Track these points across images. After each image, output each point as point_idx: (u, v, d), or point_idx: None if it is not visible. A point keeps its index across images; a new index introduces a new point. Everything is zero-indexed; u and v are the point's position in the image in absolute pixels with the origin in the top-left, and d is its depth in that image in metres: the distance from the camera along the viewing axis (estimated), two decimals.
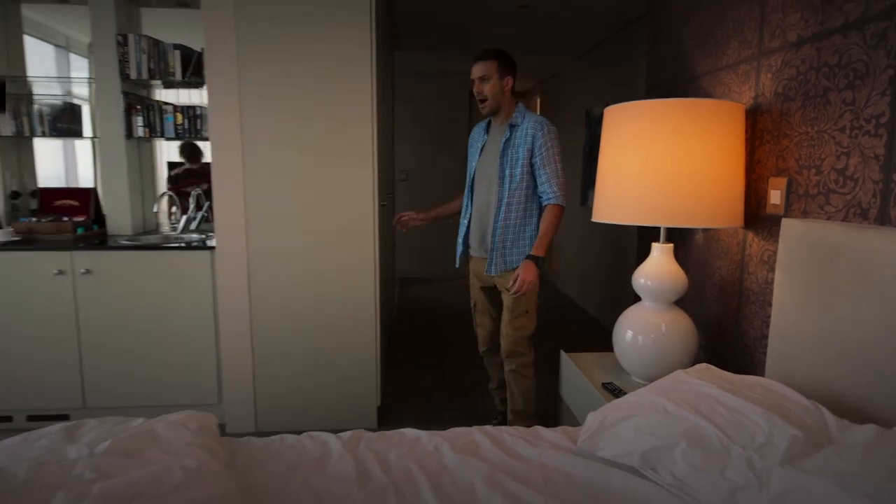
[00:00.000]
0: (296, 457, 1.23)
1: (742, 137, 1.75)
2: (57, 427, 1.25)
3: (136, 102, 2.94)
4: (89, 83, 3.14)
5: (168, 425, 1.16)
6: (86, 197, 3.05)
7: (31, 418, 2.62)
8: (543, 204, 2.20)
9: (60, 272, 2.54)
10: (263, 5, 2.41)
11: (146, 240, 2.79)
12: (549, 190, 2.17)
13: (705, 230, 2.17)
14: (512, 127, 2.23)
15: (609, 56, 4.67)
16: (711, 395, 1.22)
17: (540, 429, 1.40)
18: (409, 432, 1.38)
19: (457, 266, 2.52)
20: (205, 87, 3.01)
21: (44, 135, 2.94)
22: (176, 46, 2.90)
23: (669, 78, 2.48)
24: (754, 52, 1.82)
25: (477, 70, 2.20)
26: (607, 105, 1.88)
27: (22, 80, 3.02)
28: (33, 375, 2.59)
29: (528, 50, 5.15)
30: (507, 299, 2.26)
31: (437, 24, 4.31)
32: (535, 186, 2.21)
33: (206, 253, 2.59)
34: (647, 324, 1.83)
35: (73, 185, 4.23)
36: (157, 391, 2.66)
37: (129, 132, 2.92)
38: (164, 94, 3.26)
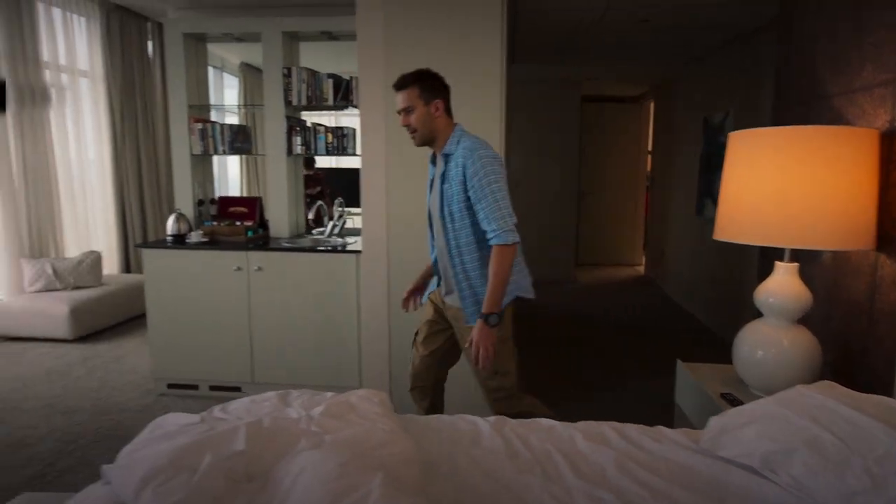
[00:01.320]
0: (453, 432, 1.51)
1: (875, 162, 1.78)
2: (272, 394, 1.63)
3: (295, 125, 3.43)
4: (240, 108, 3.69)
5: (359, 398, 1.49)
6: (253, 204, 3.60)
7: (213, 388, 3.19)
8: (489, 244, 1.89)
9: (239, 268, 3.07)
10: (409, 36, 2.74)
11: (302, 243, 3.26)
12: (489, 227, 1.87)
13: (834, 251, 2.17)
14: (446, 157, 1.97)
15: (729, 64, 4.58)
16: (832, 408, 1.32)
17: (662, 428, 1.57)
18: (544, 421, 1.61)
19: (421, 302, 2.30)
20: (348, 110, 3.45)
21: (224, 153, 3.52)
22: (329, 76, 3.35)
23: (800, 95, 2.48)
24: (891, 76, 1.83)
25: (399, 101, 1.95)
26: (727, 113, 1.95)
27: (207, 107, 3.63)
28: (215, 353, 3.15)
29: (639, 56, 5.17)
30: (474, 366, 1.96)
31: (552, 40, 4.48)
32: None
33: (353, 256, 3.00)
34: (769, 339, 1.91)
35: (223, 193, 4.92)
36: (309, 372, 3.11)
37: (290, 150, 3.42)
38: (311, 116, 3.75)
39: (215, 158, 4.05)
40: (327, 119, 6.47)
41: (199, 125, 3.45)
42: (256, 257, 3.07)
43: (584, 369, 3.75)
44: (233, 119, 5.92)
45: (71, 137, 4.74)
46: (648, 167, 7.42)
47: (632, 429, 1.55)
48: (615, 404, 3.18)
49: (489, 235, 1.88)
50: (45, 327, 4.01)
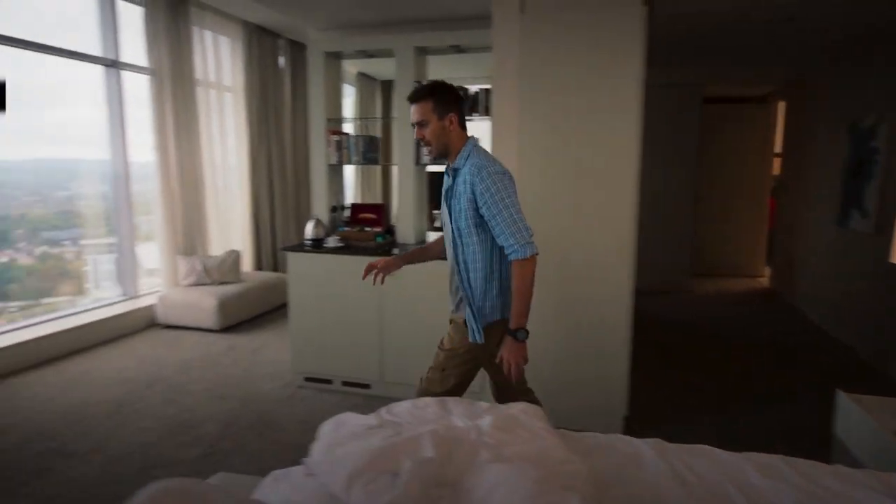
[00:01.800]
0: (614, 452, 1.52)
1: None
2: (431, 400, 1.72)
3: None
4: (357, 120, 3.88)
5: (519, 411, 1.54)
6: (380, 211, 3.80)
7: (345, 383, 3.41)
8: (508, 259, 1.90)
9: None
10: (545, 45, 2.77)
11: None
12: (506, 243, 1.86)
13: None
14: (455, 171, 1.97)
15: (880, 66, 4.13)
16: None
17: (841, 467, 1.47)
18: (706, 448, 1.57)
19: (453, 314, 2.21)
20: (473, 121, 3.53)
21: (358, 163, 3.74)
22: (458, 89, 3.45)
23: None
24: None
25: (413, 114, 1.97)
26: (881, 118, 1.76)
27: (339, 120, 3.88)
28: (348, 351, 3.36)
29: (772, 56, 4.81)
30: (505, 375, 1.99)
31: (680, 42, 4.30)
32: (493, 238, 1.92)
33: None
34: None
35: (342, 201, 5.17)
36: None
37: (417, 160, 3.56)
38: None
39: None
40: None
41: (336, 137, 3.69)
42: None
43: (704, 387, 3.57)
44: (348, 129, 6.26)
45: (216, 146, 5.25)
46: (775, 171, 6.89)
47: (805, 464, 1.48)
48: (746, 429, 3.00)
49: (507, 251, 1.88)
50: (197, 318, 4.48)
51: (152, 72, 4.53)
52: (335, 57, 3.78)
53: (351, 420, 1.54)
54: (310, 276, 3.40)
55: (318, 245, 3.48)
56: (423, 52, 3.60)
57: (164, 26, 4.54)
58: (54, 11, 4.30)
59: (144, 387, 3.41)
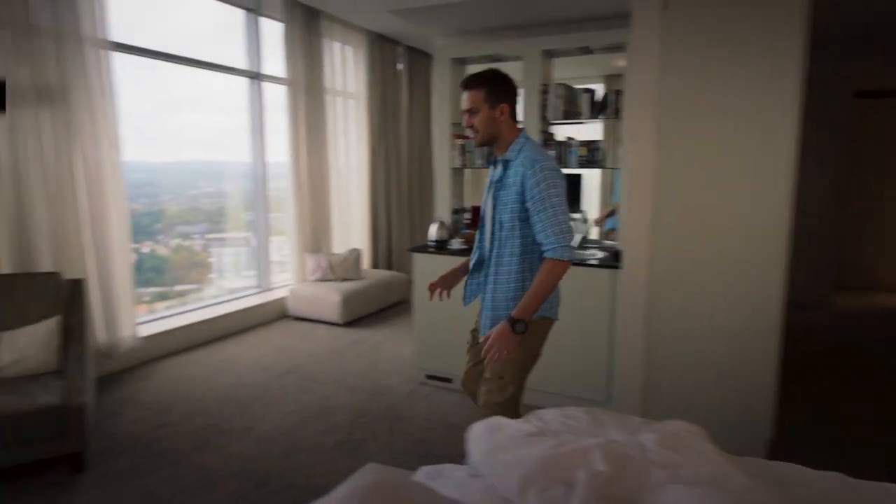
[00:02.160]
0: (790, 483, 1.41)
1: None
2: (579, 410, 1.70)
3: (549, 139, 3.54)
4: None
5: (684, 431, 1.48)
6: None
7: None
8: (543, 256, 1.86)
9: None
10: (689, 43, 2.64)
11: None
12: (546, 240, 1.84)
13: None
14: (506, 163, 1.93)
15: None
16: None
17: None
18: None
19: (464, 305, 2.24)
20: (591, 122, 3.44)
21: (481, 166, 3.79)
22: (585, 90, 3.39)
23: None
24: None
25: (464, 101, 1.93)
26: None
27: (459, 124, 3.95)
28: (463, 352, 3.42)
29: None
30: (485, 363, 1.96)
31: (832, 33, 3.91)
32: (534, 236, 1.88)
33: (606, 271, 2.99)
34: None
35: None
36: (555, 380, 3.19)
37: None
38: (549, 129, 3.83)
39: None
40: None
41: (460, 141, 3.77)
42: None
43: (856, 412, 3.21)
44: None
45: (340, 151, 5.56)
46: None
47: None
48: None
49: (545, 248, 1.84)
50: (323, 312, 4.77)
51: (289, 82, 4.89)
52: (460, 63, 3.86)
53: (506, 424, 1.56)
54: (434, 276, 3.48)
55: (441, 246, 3.57)
56: (549, 55, 3.57)
57: (300, 39, 4.88)
58: (208, 30, 4.78)
59: (282, 374, 3.69)
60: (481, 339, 1.95)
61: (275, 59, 4.95)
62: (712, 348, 2.75)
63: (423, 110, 6.64)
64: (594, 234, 3.89)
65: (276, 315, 4.97)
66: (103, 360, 3.53)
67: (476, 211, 3.95)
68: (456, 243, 3.53)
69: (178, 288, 4.79)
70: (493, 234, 1.97)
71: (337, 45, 5.42)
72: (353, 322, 4.84)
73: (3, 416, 2.28)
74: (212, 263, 5.11)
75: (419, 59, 6.50)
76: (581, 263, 3.09)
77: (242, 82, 4.87)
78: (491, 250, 1.99)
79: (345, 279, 5.05)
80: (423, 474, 1.53)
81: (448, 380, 3.52)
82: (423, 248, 3.59)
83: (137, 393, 3.36)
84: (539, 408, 3.07)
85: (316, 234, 5.26)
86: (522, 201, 1.86)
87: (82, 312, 2.93)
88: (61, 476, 2.46)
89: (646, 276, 2.84)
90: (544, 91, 3.46)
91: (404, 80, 6.32)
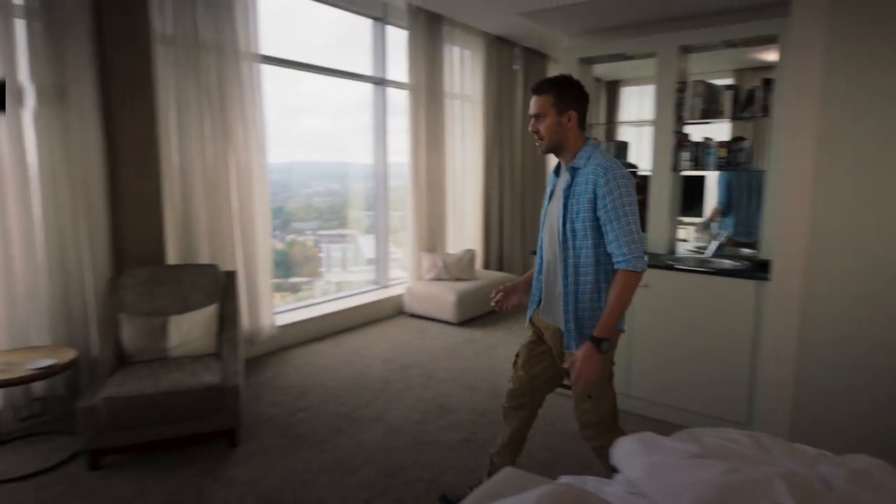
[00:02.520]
0: None
1: None
2: (740, 433, 1.59)
3: (683, 140, 3.36)
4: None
5: (873, 467, 1.33)
6: None
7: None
8: (615, 268, 1.82)
9: (645, 285, 3.16)
10: (866, 32, 2.37)
11: (687, 262, 3.17)
12: (618, 251, 1.80)
13: None
14: (574, 171, 1.88)
15: None
16: None
17: None
18: None
19: (526, 325, 2.20)
20: (732, 122, 3.19)
21: None
22: (728, 87, 3.17)
23: None
24: None
25: (532, 106, 1.90)
26: None
27: (591, 126, 3.85)
28: None
29: None
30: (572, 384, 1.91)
31: None
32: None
33: (751, 282, 2.77)
34: None
35: None
36: (688, 396, 3.02)
37: (675, 166, 3.36)
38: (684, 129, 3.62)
39: None
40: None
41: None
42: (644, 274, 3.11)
43: None
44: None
45: (457, 152, 5.65)
46: None
47: None
48: None
49: (617, 259, 1.81)
50: (438, 310, 4.89)
51: (411, 86, 5.05)
52: (587, 63, 3.77)
53: (660, 441, 1.50)
54: None
55: None
56: (686, 50, 3.38)
57: (422, 45, 5.02)
58: (335, 39, 5.07)
59: (403, 368, 3.83)
60: (567, 363, 1.90)
61: (398, 65, 5.14)
62: (877, 376, 2.46)
63: None
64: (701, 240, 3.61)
65: (393, 311, 5.17)
66: (246, 345, 3.87)
67: None
68: None
69: (292, 280, 5.13)
70: (564, 245, 1.92)
71: (456, 50, 5.52)
72: (466, 322, 4.91)
73: (174, 392, 2.57)
74: (321, 258, 5.42)
75: (535, 59, 6.44)
76: (721, 273, 2.90)
77: (367, 87, 5.11)
78: (566, 261, 1.92)
79: (459, 279, 5.13)
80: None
81: (567, 387, 3.45)
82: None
83: (276, 378, 3.65)
84: (675, 425, 2.94)
85: (432, 233, 5.39)
86: (594, 209, 1.83)
87: (235, 301, 3.24)
88: (219, 449, 2.73)
89: (801, 289, 2.60)
90: (681, 89, 3.28)
91: (519, 82, 6.30)
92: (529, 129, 1.96)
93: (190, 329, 3.00)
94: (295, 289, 5.11)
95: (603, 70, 5.20)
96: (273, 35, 4.03)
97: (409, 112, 5.09)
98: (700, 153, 3.30)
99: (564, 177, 1.94)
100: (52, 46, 2.88)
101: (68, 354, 2.72)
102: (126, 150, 3.15)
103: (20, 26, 2.80)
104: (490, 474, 2.20)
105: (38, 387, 2.91)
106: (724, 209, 3.94)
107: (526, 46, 6.26)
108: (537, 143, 1.94)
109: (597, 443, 2.04)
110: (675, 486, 1.21)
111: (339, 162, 5.53)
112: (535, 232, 6.85)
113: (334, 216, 5.55)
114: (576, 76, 3.57)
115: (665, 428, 2.81)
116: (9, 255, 2.83)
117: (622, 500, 1.32)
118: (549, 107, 1.86)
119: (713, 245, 3.34)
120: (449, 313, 4.81)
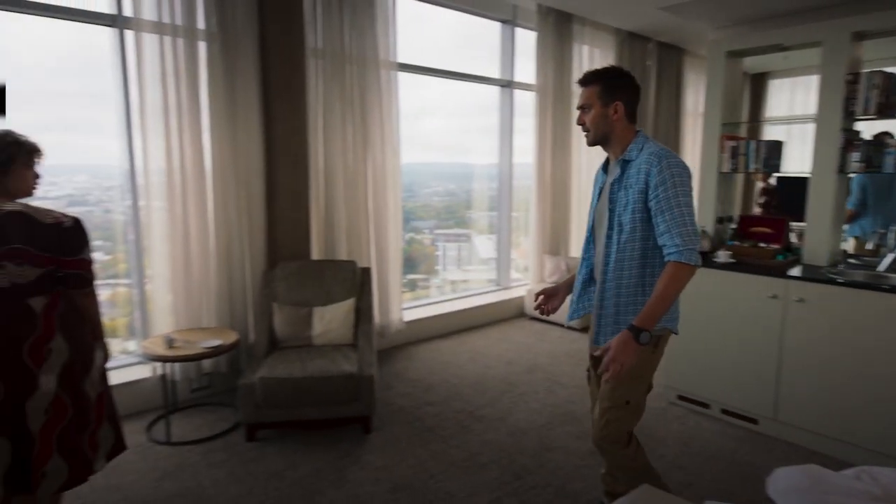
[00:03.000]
0: None
1: None
2: None
3: (853, 138, 2.98)
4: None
5: None
6: (780, 226, 3.35)
7: (725, 411, 3.14)
8: (665, 259, 1.71)
9: (774, 296, 2.89)
10: None
11: (853, 276, 2.82)
12: (670, 242, 1.69)
13: None
14: (625, 163, 1.81)
15: None
16: None
17: None
18: None
19: (565, 325, 2.13)
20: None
21: (756, 171, 3.39)
22: None
23: None
24: None
25: (579, 97, 1.84)
26: None
27: (737, 124, 3.56)
28: (732, 376, 3.08)
29: None
30: (603, 381, 1.84)
31: None
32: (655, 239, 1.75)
33: None
34: None
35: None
36: (851, 427, 2.68)
37: (842, 167, 3.00)
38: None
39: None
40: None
41: (732, 143, 3.41)
42: (797, 287, 2.82)
43: None
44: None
45: (583, 153, 5.51)
46: None
47: None
48: None
49: (669, 250, 1.69)
50: (559, 314, 4.79)
51: (538, 88, 5.01)
52: (737, 56, 3.48)
53: (829, 476, 1.36)
54: (692, 290, 3.21)
55: (703, 259, 3.28)
56: (860, 37, 3.00)
57: (551, 46, 4.96)
58: (465, 42, 5.17)
59: (526, 371, 3.82)
60: (600, 351, 1.76)
61: (524, 66, 5.13)
62: None
63: (671, 109, 6.22)
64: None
65: (513, 313, 5.17)
66: (377, 338, 4.10)
67: (745, 220, 3.54)
68: (722, 256, 3.20)
69: (410, 277, 5.31)
70: (610, 239, 1.83)
71: (585, 49, 5.38)
72: (587, 329, 4.76)
73: (318, 378, 2.79)
74: (437, 257, 5.55)
75: (669, 54, 6.09)
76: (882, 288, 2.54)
77: (492, 90, 5.16)
78: (608, 258, 1.84)
79: None
80: None
81: (705, 404, 3.23)
82: None
83: (404, 370, 3.82)
84: (832, 458, 2.64)
85: (555, 235, 5.31)
86: (645, 200, 1.74)
87: (370, 296, 3.44)
88: (355, 434, 2.92)
89: None
90: (852, 81, 2.92)
91: (652, 78, 5.99)
92: (577, 121, 1.90)
93: (331, 320, 3.24)
94: (412, 286, 5.30)
95: (748, 63, 4.79)
96: (405, 42, 4.20)
97: (535, 113, 5.05)
98: (873, 152, 2.91)
99: (614, 171, 1.86)
100: (226, 63, 3.26)
101: (231, 336, 3.06)
102: (281, 153, 3.48)
103: (202, 48, 3.20)
104: (606, 493, 2.13)
105: (206, 363, 3.31)
106: (857, 211, 3.64)
107: (661, 41, 5.94)
108: (584, 135, 1.88)
109: (615, 461, 1.98)
110: None
111: (460, 163, 5.65)
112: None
113: (450, 216, 5.68)
114: (722, 72, 3.39)
115: (821, 460, 2.53)
116: (188, 247, 3.25)
117: None
118: (595, 98, 1.80)
119: (888, 258, 2.93)
120: None
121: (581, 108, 1.85)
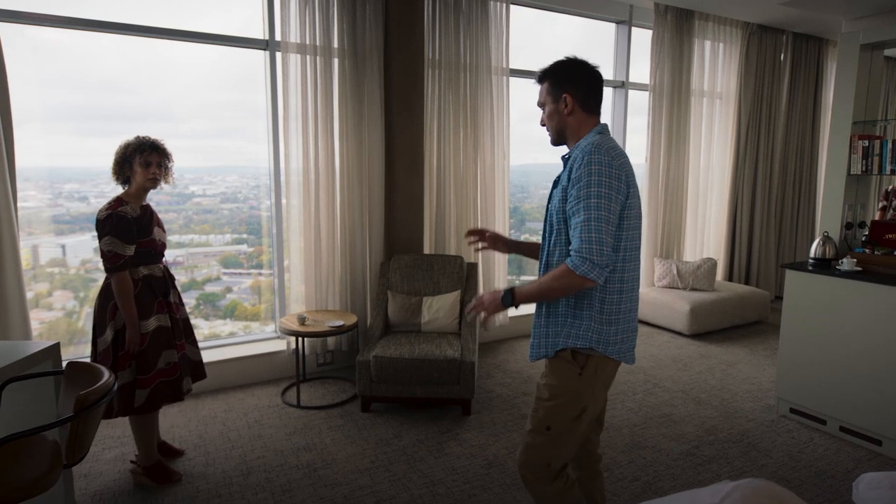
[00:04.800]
0: None
1: None
2: None
3: None
4: None
5: None
6: None
7: (844, 430, 2.95)
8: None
9: None
10: None
11: None
12: (574, 246, 1.48)
13: None
14: (566, 161, 1.63)
15: None
16: None
17: None
18: None
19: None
20: None
21: (892, 173, 3.12)
22: None
23: None
24: None
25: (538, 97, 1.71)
26: None
27: (873, 122, 3.29)
28: (854, 392, 2.88)
29: None
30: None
31: None
32: None
33: None
34: None
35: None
36: None
37: None
38: None
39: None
40: None
41: (864, 142, 3.16)
42: None
43: None
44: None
45: (702, 154, 5.31)
46: None
47: None
48: None
49: (571, 253, 1.49)
50: (668, 319, 4.70)
51: (652, 87, 4.93)
52: (875, 49, 3.22)
53: None
54: (811, 299, 3.06)
55: (824, 265, 3.10)
56: None
57: (669, 44, 4.86)
58: (579, 44, 5.22)
59: (626, 372, 3.83)
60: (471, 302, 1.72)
61: (637, 66, 5.07)
62: None
63: (806, 105, 5.74)
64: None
65: None
66: (481, 330, 4.33)
67: (878, 226, 3.25)
68: (847, 263, 2.99)
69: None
70: (543, 241, 1.69)
71: (707, 44, 5.18)
72: (700, 335, 4.62)
73: (426, 360, 3.09)
74: None
75: (807, 46, 5.63)
76: None
77: (606, 91, 5.16)
78: (541, 261, 1.70)
79: (694, 289, 4.84)
80: None
81: (821, 420, 3.05)
82: (801, 266, 3.18)
83: (505, 362, 4.02)
84: None
85: (669, 239, 5.18)
86: (567, 199, 1.55)
87: (475, 289, 3.68)
88: (456, 414, 3.18)
89: None
90: None
91: (786, 73, 5.59)
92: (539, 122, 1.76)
93: (438, 309, 3.53)
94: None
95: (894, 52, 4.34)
96: (519, 47, 4.38)
97: (649, 113, 4.97)
98: None
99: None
100: (355, 77, 3.68)
101: (351, 319, 3.47)
102: (400, 156, 3.84)
103: (335, 64, 3.65)
104: None
105: (330, 341, 3.77)
106: None
107: (797, 32, 5.52)
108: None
109: (531, 491, 1.70)
110: None
111: None
112: (796, 244, 6.09)
113: None
114: (856, 66, 3.17)
115: None
116: (319, 240, 3.72)
117: None
118: (546, 94, 1.68)
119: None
120: (681, 323, 4.59)
121: (541, 105, 1.73)
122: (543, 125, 1.73)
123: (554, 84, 1.66)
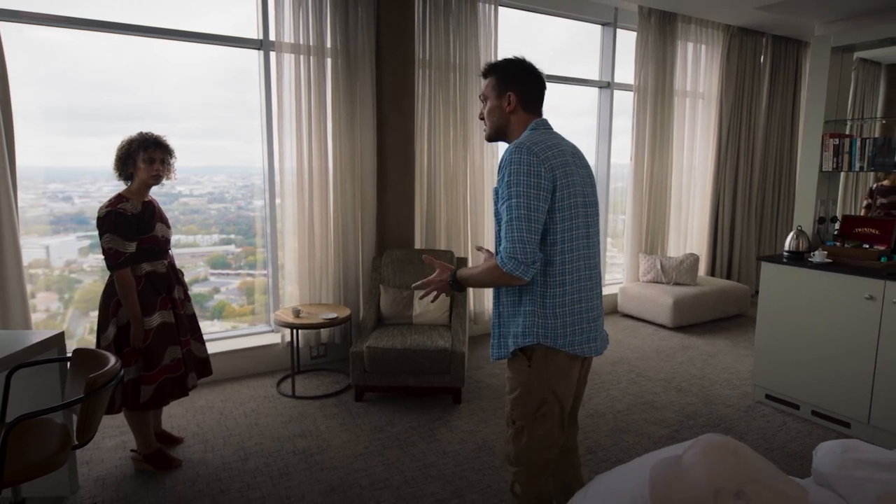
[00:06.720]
0: None
1: None
2: None
3: None
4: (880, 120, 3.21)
5: None
6: (887, 227, 3.22)
7: (816, 413, 3.10)
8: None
9: (870, 297, 2.82)
10: None
11: None
12: (501, 245, 1.54)
13: None
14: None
15: None
16: None
17: None
18: None
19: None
20: None
21: (861, 170, 3.28)
22: None
23: None
24: None
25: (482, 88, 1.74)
26: None
27: (843, 121, 3.45)
28: (824, 378, 3.03)
29: None
30: None
31: None
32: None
33: None
34: None
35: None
36: None
37: None
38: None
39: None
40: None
41: (834, 140, 3.32)
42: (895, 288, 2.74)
43: None
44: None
45: (684, 152, 5.47)
46: None
47: None
48: None
49: (500, 251, 1.55)
50: (652, 312, 4.85)
51: (636, 88, 5.08)
52: (845, 51, 3.38)
53: (862, 447, 1.47)
54: (785, 290, 3.21)
55: (798, 258, 3.25)
56: None
57: (652, 45, 5.01)
58: (564, 45, 5.36)
59: (612, 363, 3.97)
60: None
61: (622, 67, 5.21)
62: None
63: (785, 106, 5.93)
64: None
65: (606, 310, 5.28)
66: (471, 324, 4.45)
67: (849, 220, 3.42)
68: (818, 256, 3.15)
69: None
70: (495, 238, 1.70)
71: (690, 46, 5.34)
72: (683, 328, 4.77)
73: (416, 350, 3.20)
74: None
75: (786, 48, 5.82)
76: None
77: (589, 91, 5.29)
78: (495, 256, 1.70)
79: (678, 283, 4.99)
80: None
81: (794, 405, 3.20)
82: (776, 259, 3.33)
83: None
84: None
85: (652, 235, 5.34)
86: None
87: None
88: (447, 403, 3.29)
89: None
90: None
91: (766, 74, 5.76)
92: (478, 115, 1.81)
93: (429, 302, 3.64)
94: None
95: (883, 53, 4.49)
96: (508, 48, 4.51)
97: (633, 113, 5.12)
98: None
99: None
100: (348, 77, 3.78)
101: (345, 311, 3.57)
102: (391, 154, 3.94)
103: (328, 64, 3.74)
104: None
105: (324, 333, 3.86)
106: None
107: (776, 35, 5.70)
108: (483, 131, 1.81)
109: (514, 487, 1.75)
110: (860, 480, 1.23)
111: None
112: (776, 240, 6.27)
113: None
114: (828, 68, 3.32)
115: None
116: (313, 236, 3.82)
117: (805, 485, 1.36)
118: (490, 89, 1.69)
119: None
120: (664, 317, 4.74)
121: (482, 101, 1.75)
122: (482, 118, 1.75)
123: (500, 80, 1.68)
